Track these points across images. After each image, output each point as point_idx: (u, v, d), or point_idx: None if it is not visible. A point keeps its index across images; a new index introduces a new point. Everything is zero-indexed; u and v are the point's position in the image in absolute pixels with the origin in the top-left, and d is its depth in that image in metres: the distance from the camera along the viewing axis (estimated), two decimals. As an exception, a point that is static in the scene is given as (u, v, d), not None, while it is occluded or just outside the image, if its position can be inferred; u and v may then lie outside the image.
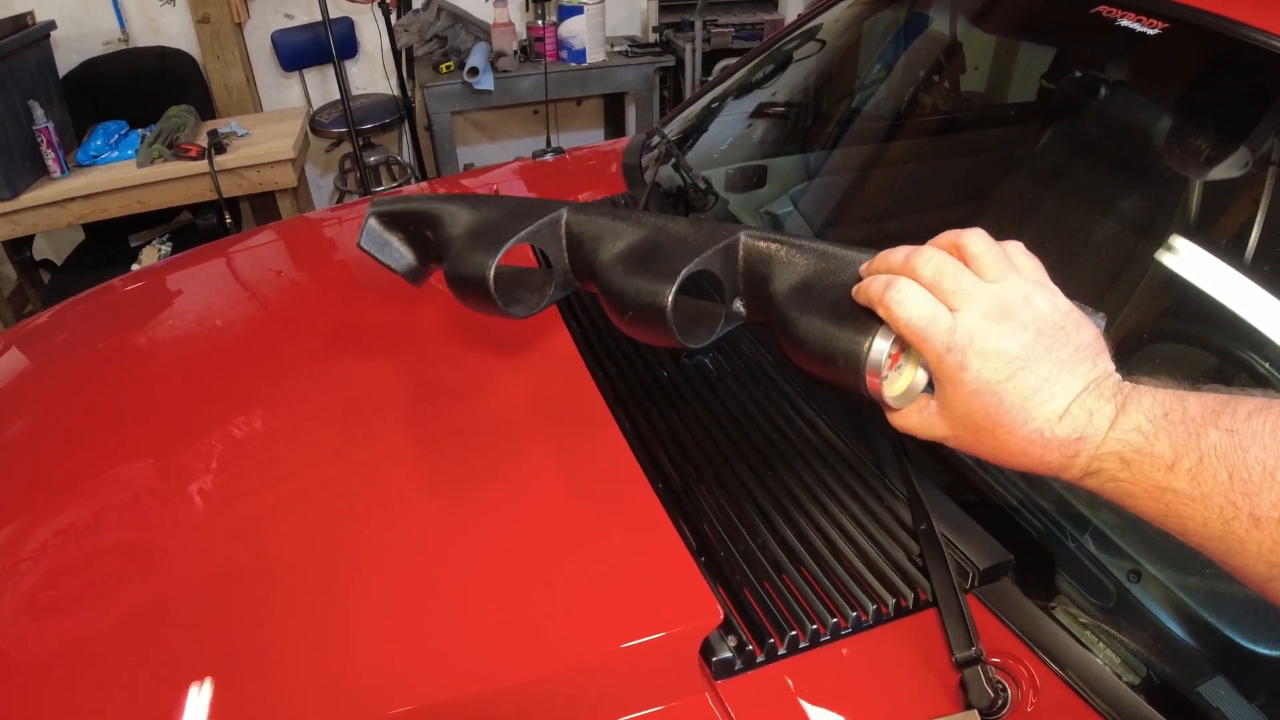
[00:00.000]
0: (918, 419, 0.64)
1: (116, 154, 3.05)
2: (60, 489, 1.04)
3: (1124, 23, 1.24)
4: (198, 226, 3.35)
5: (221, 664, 0.79)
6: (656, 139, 1.73)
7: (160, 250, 3.25)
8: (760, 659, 0.79)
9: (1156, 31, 1.19)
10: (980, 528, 0.89)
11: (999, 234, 0.62)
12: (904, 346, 0.62)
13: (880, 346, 0.61)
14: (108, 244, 3.33)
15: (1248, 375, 0.95)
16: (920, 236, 0.65)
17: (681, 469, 0.96)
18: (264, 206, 3.60)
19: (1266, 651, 0.83)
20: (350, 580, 0.87)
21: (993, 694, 0.75)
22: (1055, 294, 0.60)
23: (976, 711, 0.74)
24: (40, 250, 3.43)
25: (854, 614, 0.81)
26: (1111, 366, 0.58)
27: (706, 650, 0.79)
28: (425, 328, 1.26)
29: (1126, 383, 0.57)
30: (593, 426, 1.02)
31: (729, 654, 0.78)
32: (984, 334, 0.56)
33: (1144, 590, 0.87)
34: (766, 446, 0.99)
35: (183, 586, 0.89)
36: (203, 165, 3.03)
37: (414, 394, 1.13)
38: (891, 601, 0.82)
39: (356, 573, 0.88)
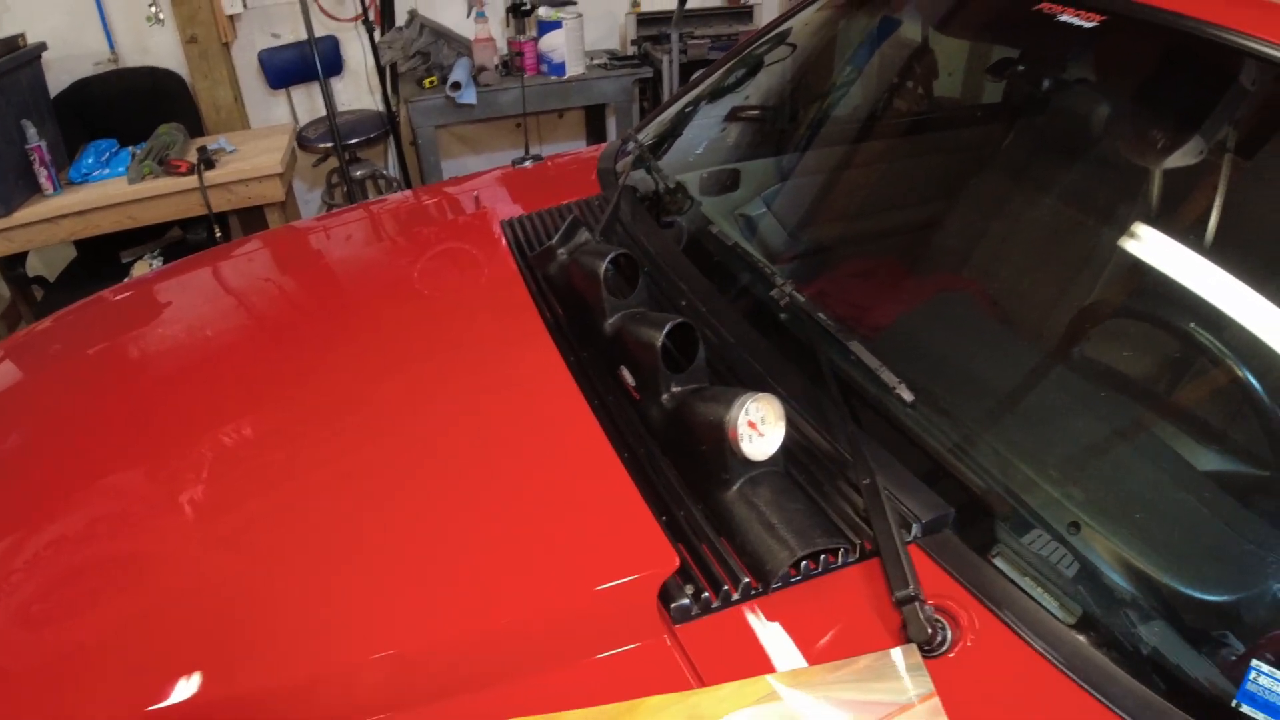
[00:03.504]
0: None
1: (108, 171, 3.11)
2: (55, 469, 1.09)
3: (1064, 18, 1.31)
4: (188, 241, 3.41)
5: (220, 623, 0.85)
6: (631, 144, 1.80)
7: (151, 265, 3.31)
8: (716, 605, 0.85)
9: (1094, 24, 1.26)
10: (922, 484, 0.95)
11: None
12: None
13: None
14: (99, 260, 3.39)
15: (1199, 349, 1.01)
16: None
17: (645, 442, 1.03)
18: (253, 221, 3.65)
19: (1195, 594, 0.89)
20: (345, 542, 0.93)
21: (931, 630, 0.81)
22: None
23: (915, 645, 0.80)
24: (33, 267, 3.49)
25: (804, 563, 0.87)
26: None
27: (665, 597, 0.85)
28: (405, 325, 1.31)
29: None
30: (565, 406, 1.08)
31: (686, 600, 0.84)
32: None
33: (1082, 541, 0.92)
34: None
35: (178, 573, 0.94)
36: (192, 181, 3.09)
37: (394, 386, 1.18)
38: (839, 551, 0.88)
39: (353, 537, 0.94)
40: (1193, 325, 1.03)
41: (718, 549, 0.89)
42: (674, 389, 1.04)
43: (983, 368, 1.18)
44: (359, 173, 3.70)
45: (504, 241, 1.50)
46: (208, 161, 3.15)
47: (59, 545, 0.99)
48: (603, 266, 1.16)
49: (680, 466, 0.99)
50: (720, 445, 0.92)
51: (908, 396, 1.04)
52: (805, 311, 1.17)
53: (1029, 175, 1.37)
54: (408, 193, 1.96)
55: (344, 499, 0.99)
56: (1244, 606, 0.88)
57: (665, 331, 1.02)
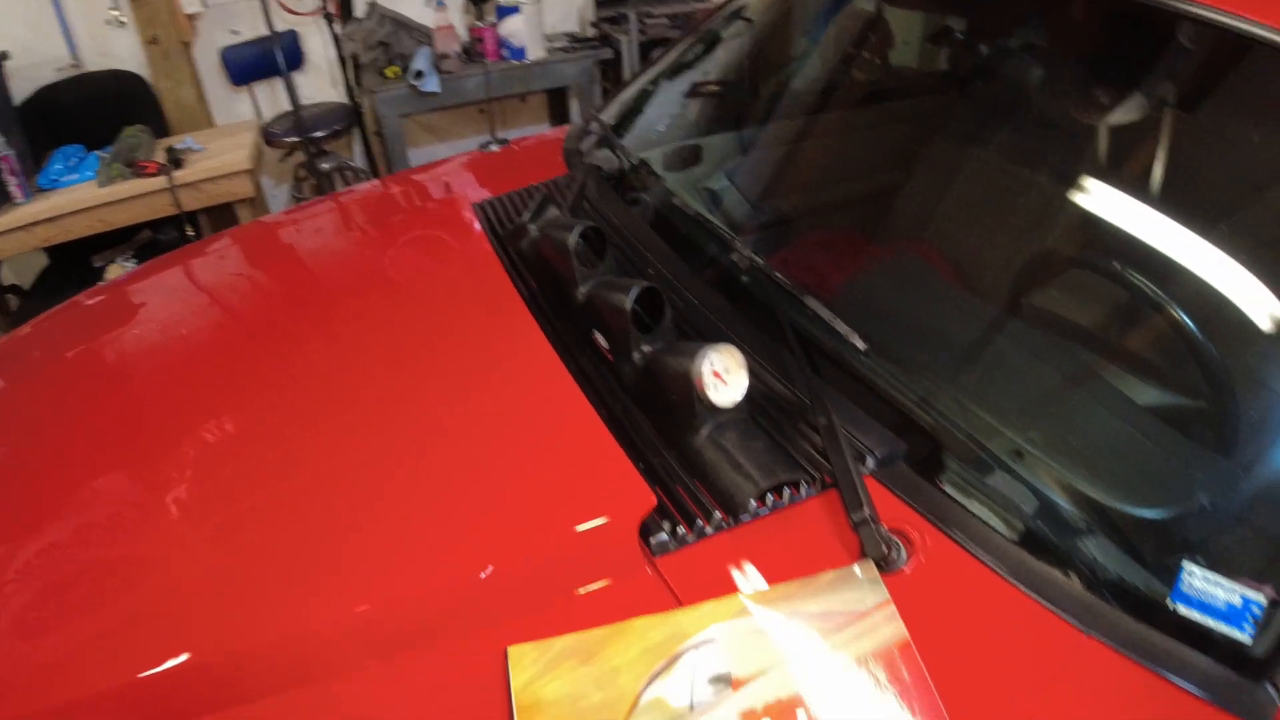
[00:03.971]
0: None
1: (77, 176, 3.13)
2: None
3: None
4: (159, 242, 3.44)
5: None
6: (594, 125, 1.86)
7: (124, 268, 3.34)
8: (691, 538, 0.93)
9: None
10: (875, 423, 1.04)
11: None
12: None
13: None
14: (72, 266, 3.41)
15: (1135, 293, 1.09)
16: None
17: (620, 398, 1.11)
18: (223, 218, 3.68)
19: (1131, 510, 0.97)
20: (338, 493, 1.01)
21: (886, 549, 0.90)
22: None
23: (872, 561, 0.89)
24: (5, 277, 3.51)
25: (770, 496, 0.96)
26: None
27: (645, 533, 0.93)
28: (385, 307, 1.38)
29: None
30: (545, 370, 1.15)
31: (664, 535, 0.93)
32: None
33: (1025, 468, 1.01)
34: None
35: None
36: (162, 181, 3.13)
37: (381, 364, 1.24)
38: (801, 483, 0.97)
39: (351, 496, 1.01)
40: (1129, 271, 1.11)
41: (691, 489, 0.98)
42: (644, 348, 1.12)
43: (931, 317, 1.27)
44: (326, 165, 3.74)
45: (477, 223, 1.56)
46: (176, 161, 3.19)
47: (48, 552, 1.01)
48: (572, 239, 1.23)
49: (653, 418, 1.08)
50: (688, 395, 1.00)
51: (860, 344, 1.13)
52: (764, 272, 1.25)
53: (977, 139, 1.44)
54: (375, 182, 1.99)
55: (339, 467, 1.06)
56: (1176, 521, 0.97)
57: (634, 295, 1.10)
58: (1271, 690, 0.78)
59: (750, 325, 1.21)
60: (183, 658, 0.85)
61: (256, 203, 3.45)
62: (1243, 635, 0.82)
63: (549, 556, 0.92)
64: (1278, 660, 0.79)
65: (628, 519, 0.92)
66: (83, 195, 3.06)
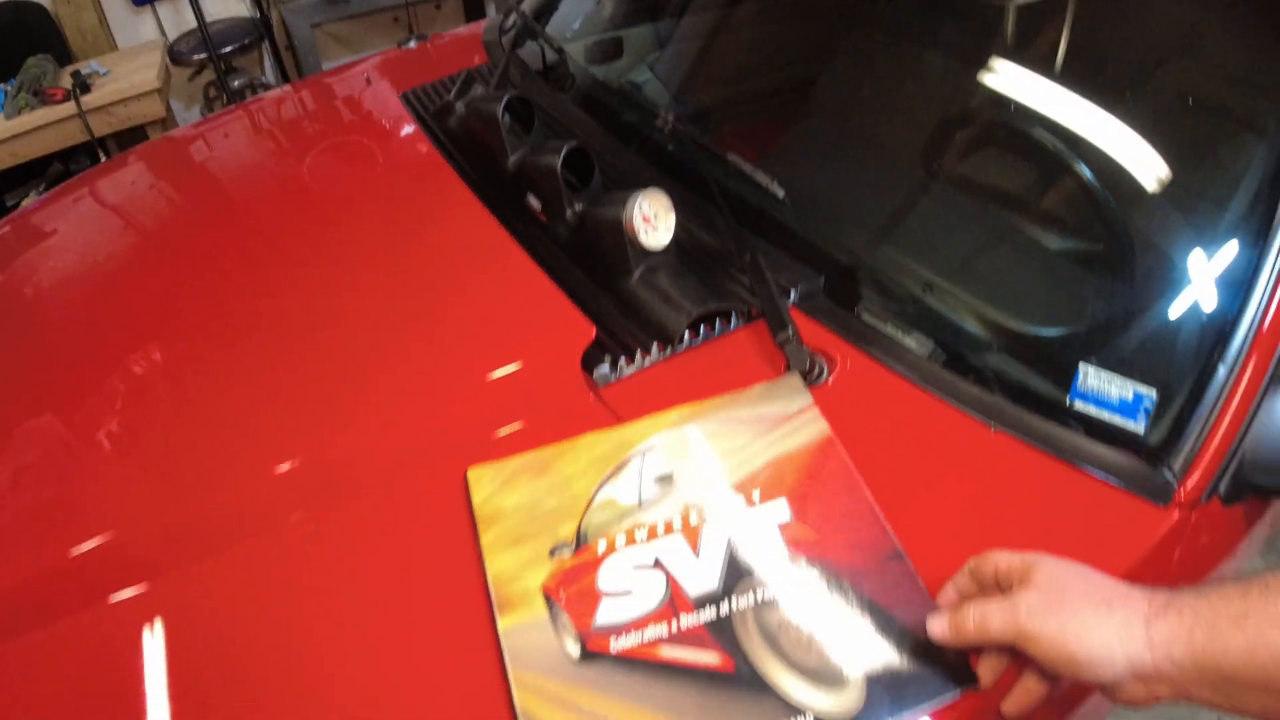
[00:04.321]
0: None
1: (-18, 110, 3.03)
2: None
3: None
4: (72, 173, 3.36)
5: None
6: (514, 16, 1.86)
7: (40, 201, 3.27)
8: (630, 368, 1.00)
9: None
10: (797, 262, 1.12)
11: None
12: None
13: None
14: (-16, 205, 3.33)
15: (1037, 147, 1.15)
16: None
17: (557, 255, 1.16)
18: (135, 144, 3.61)
19: (1031, 330, 1.06)
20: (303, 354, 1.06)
21: (810, 363, 0.98)
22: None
23: (797, 373, 0.97)
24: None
25: (702, 327, 1.03)
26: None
27: (588, 366, 1.00)
28: (324, 200, 1.40)
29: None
30: (485, 234, 1.20)
31: (605, 367, 1.00)
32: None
33: (935, 298, 1.09)
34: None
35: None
36: (70, 108, 3.05)
37: (330, 247, 1.27)
38: (731, 314, 1.05)
39: (307, 353, 1.06)
40: (1033, 128, 1.15)
41: (628, 326, 1.04)
42: (576, 206, 1.17)
43: (846, 176, 1.33)
44: (237, 83, 3.65)
45: (405, 110, 1.58)
46: (83, 86, 3.10)
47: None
48: (500, 109, 1.27)
49: (588, 269, 1.13)
50: (620, 241, 1.06)
51: (780, 193, 1.20)
52: (688, 135, 1.31)
53: (903, 26, 1.47)
54: (286, 87, 1.94)
55: (302, 332, 1.11)
56: (1074, 337, 1.06)
57: (564, 153, 1.15)
58: (1168, 473, 0.87)
59: (675, 182, 1.27)
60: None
61: (168, 124, 3.38)
62: (1138, 426, 0.90)
63: (498, 393, 0.99)
64: (1171, 447, 0.88)
65: (570, 350, 0.99)
66: (-10, 130, 2.97)
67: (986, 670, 0.71)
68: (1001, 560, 0.71)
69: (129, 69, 3.27)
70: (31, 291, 1.33)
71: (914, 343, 1.04)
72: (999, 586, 0.71)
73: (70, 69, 3.27)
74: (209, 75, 3.65)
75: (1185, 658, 0.61)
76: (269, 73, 4.07)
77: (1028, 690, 0.71)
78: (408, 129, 1.51)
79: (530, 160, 1.22)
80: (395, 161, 1.45)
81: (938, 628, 0.71)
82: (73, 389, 1.10)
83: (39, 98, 3.05)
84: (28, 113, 3.02)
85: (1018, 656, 0.69)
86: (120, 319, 1.21)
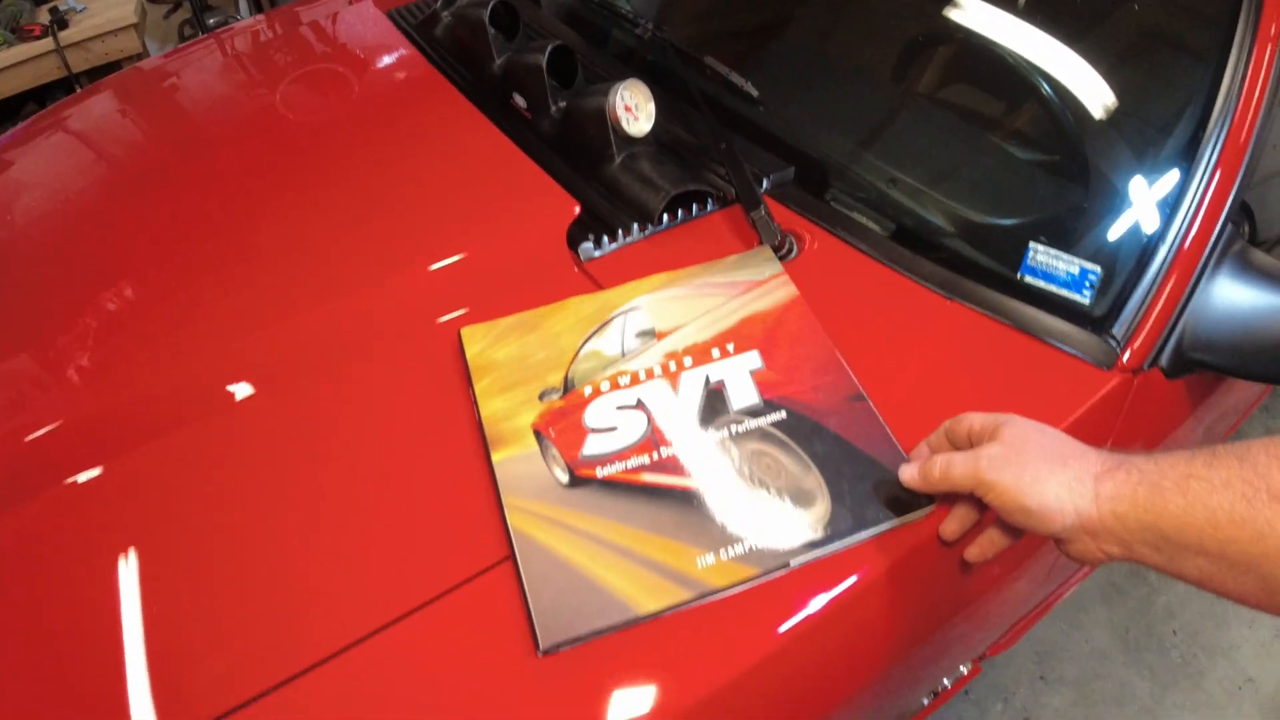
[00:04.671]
0: None
1: (-42, 47, 3.02)
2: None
3: None
4: (50, 113, 3.36)
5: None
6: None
7: (18, 139, 3.27)
8: (613, 245, 1.07)
9: None
10: (770, 154, 1.18)
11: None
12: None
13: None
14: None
15: (1002, 66, 1.20)
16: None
17: (543, 149, 1.22)
18: (115, 86, 3.60)
19: (987, 219, 1.13)
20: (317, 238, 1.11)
21: (780, 239, 1.05)
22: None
23: (768, 245, 1.04)
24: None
25: (680, 210, 1.10)
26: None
27: (573, 244, 1.06)
28: (320, 116, 1.44)
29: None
30: (475, 130, 1.25)
31: (589, 243, 1.06)
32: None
33: (899, 191, 1.16)
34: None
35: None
36: (48, 43, 3.04)
37: (330, 159, 1.32)
38: (708, 197, 1.11)
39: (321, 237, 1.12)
40: (1000, 47, 1.21)
41: (610, 207, 1.11)
42: (560, 103, 1.23)
43: (819, 77, 1.39)
44: (213, 20, 3.64)
45: (391, 25, 1.62)
46: (61, 22, 3.09)
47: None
48: (486, 13, 1.32)
49: (573, 160, 1.19)
50: (603, 129, 1.12)
51: (754, 92, 1.26)
52: (667, 42, 1.37)
53: None
54: (259, 16, 1.89)
55: (314, 225, 1.15)
56: (1026, 225, 1.11)
57: (549, 51, 1.20)
58: (1111, 340, 0.95)
59: (656, 89, 1.32)
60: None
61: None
62: (1083, 299, 0.98)
63: (488, 264, 1.05)
64: (1114, 318, 0.96)
65: (556, 226, 1.05)
66: (-33, 64, 2.96)
67: (954, 521, 0.79)
68: (975, 421, 0.76)
69: (105, 4, 3.25)
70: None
71: (877, 226, 1.11)
72: (971, 445, 0.76)
73: (48, 5, 3.25)
74: (184, 14, 3.65)
75: (1129, 514, 0.64)
76: (244, 10, 4.06)
77: (991, 539, 0.78)
78: (394, 41, 1.55)
79: (516, 60, 1.27)
80: (385, 71, 1.50)
81: (907, 474, 0.77)
82: (43, 282, 1.13)
83: (16, 34, 3.04)
84: (6, 49, 3.02)
85: (985, 510, 0.76)
86: (102, 218, 1.24)
